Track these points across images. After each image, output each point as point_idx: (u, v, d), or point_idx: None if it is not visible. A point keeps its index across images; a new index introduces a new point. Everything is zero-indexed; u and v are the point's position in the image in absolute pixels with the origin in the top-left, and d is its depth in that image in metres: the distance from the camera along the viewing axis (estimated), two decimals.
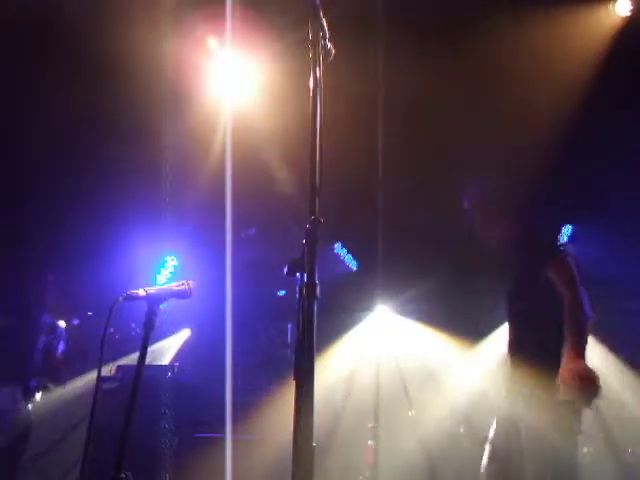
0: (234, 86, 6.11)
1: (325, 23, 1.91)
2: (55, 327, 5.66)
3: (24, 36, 5.44)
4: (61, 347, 5.61)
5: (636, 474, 6.06)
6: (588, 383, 3.10)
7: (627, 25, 6.03)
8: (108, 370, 6.15)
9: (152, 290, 2.31)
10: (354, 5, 5.24)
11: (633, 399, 6.47)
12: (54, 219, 6.60)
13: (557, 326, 3.25)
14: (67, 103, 5.53)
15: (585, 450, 6.37)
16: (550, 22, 5.70)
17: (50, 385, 5.54)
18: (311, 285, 1.65)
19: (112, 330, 4.98)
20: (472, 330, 6.90)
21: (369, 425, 6.52)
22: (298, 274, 1.71)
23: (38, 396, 5.46)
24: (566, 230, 7.67)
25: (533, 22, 5.67)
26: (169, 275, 7.05)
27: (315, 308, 1.65)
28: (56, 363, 5.55)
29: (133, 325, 6.34)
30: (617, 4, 6.03)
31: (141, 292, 2.29)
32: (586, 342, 3.25)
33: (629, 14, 6.03)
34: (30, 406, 5.38)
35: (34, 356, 5.48)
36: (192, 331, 7.40)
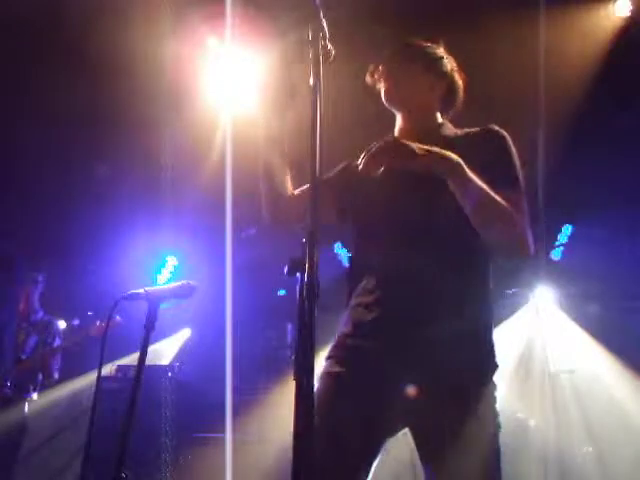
0: (234, 85, 6.12)
1: (325, 23, 1.92)
2: (48, 325, 5.66)
3: (24, 35, 5.44)
4: (57, 343, 5.61)
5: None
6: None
7: (627, 25, 6.03)
8: (108, 370, 6.16)
9: (152, 290, 2.31)
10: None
11: (632, 399, 6.48)
12: (53, 219, 6.61)
13: None
14: (66, 102, 5.53)
15: (585, 450, 6.38)
16: (549, 22, 5.70)
17: (45, 382, 5.55)
18: (311, 285, 1.65)
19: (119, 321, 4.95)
20: None
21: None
22: (298, 274, 1.71)
23: (35, 395, 5.46)
24: (566, 230, 7.68)
25: (532, 22, 5.67)
26: (169, 275, 7.06)
27: (315, 308, 1.64)
28: (48, 358, 5.54)
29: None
30: (617, 4, 6.03)
31: (142, 292, 2.30)
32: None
33: (629, 14, 6.03)
34: (26, 405, 5.38)
35: (25, 352, 5.49)
36: (192, 331, 7.40)
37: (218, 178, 6.06)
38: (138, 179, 6.53)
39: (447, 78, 2.40)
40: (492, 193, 2.04)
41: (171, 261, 7.08)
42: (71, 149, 6.13)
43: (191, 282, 2.35)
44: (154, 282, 6.74)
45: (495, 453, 2.08)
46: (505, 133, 2.26)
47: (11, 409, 5.27)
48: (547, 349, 7.10)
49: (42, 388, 5.54)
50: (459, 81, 2.44)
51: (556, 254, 7.70)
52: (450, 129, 2.37)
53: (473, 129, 2.32)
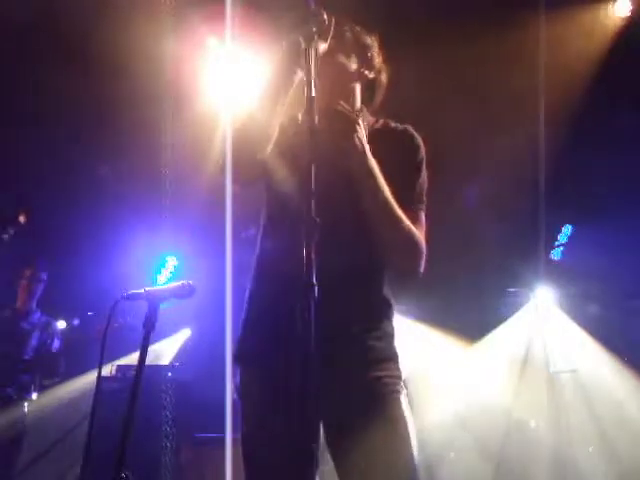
0: (234, 85, 6.12)
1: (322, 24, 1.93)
2: (47, 325, 5.67)
3: (24, 35, 5.45)
4: (56, 344, 5.62)
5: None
6: None
7: (627, 25, 6.04)
8: (108, 370, 6.15)
9: (152, 290, 2.31)
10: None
11: (632, 399, 6.49)
12: (54, 219, 6.60)
13: None
14: (66, 102, 5.54)
15: (586, 450, 6.39)
16: (549, 22, 5.70)
17: (45, 382, 5.56)
18: (309, 286, 1.65)
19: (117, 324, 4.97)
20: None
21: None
22: None
23: (35, 395, 5.46)
24: (566, 230, 7.69)
25: (532, 23, 5.67)
26: (169, 275, 7.05)
27: (313, 308, 1.65)
28: (50, 359, 5.55)
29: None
30: (617, 4, 6.03)
31: (142, 292, 2.30)
32: None
33: (629, 14, 6.03)
34: (26, 405, 5.38)
35: (27, 353, 5.50)
36: (192, 331, 7.39)
37: (218, 178, 6.05)
38: (138, 179, 6.52)
39: (372, 64, 2.26)
40: (393, 201, 2.04)
41: (171, 261, 7.07)
42: (71, 149, 6.13)
43: (191, 282, 2.35)
44: (154, 282, 6.73)
45: (408, 447, 2.01)
46: (420, 141, 2.23)
47: (11, 409, 5.27)
48: (547, 349, 7.11)
49: (42, 388, 5.54)
50: (384, 73, 2.31)
51: (556, 254, 7.70)
52: (367, 117, 2.27)
53: (391, 124, 2.26)
